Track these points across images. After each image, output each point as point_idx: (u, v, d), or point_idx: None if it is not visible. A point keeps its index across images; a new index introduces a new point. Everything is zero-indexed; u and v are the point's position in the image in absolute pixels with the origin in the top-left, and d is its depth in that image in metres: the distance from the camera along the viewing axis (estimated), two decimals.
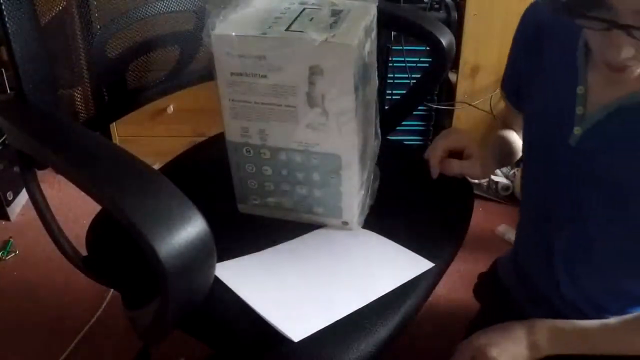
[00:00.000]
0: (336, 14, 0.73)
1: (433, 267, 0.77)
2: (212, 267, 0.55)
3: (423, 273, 0.76)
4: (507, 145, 0.99)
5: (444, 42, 0.98)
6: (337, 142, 0.75)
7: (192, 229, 0.51)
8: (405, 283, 0.74)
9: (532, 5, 0.85)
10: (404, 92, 1.31)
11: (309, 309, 0.69)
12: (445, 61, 1.00)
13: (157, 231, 0.50)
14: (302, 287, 0.72)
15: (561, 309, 0.88)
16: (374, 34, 0.77)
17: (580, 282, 0.85)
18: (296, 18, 0.73)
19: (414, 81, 1.65)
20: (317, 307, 0.69)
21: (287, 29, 0.70)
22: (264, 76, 0.71)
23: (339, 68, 0.68)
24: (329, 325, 0.67)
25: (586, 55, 0.75)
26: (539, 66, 0.83)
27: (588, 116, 0.75)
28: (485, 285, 1.13)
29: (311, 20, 0.72)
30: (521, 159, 0.97)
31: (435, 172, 0.89)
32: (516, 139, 1.00)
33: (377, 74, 0.81)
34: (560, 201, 0.83)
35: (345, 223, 0.83)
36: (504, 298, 1.02)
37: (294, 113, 0.73)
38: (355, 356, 0.65)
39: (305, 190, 0.81)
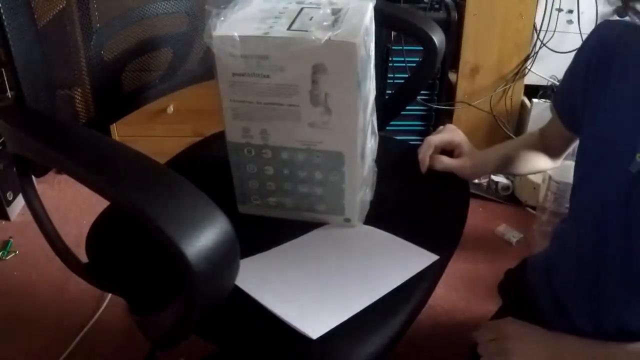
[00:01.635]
0: (336, 12, 0.73)
1: (437, 259, 0.78)
2: (237, 268, 0.55)
3: (427, 266, 0.77)
4: (514, 158, 0.98)
5: (435, 39, 0.98)
6: (340, 139, 0.75)
7: (217, 229, 0.52)
8: (411, 277, 0.75)
9: (602, 25, 0.82)
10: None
11: (323, 306, 0.70)
12: (436, 58, 1.01)
13: (183, 233, 0.50)
14: (313, 285, 0.73)
15: (586, 330, 0.85)
16: (372, 31, 0.77)
17: (623, 317, 0.80)
18: (296, 17, 0.73)
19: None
20: (331, 304, 0.70)
21: (288, 29, 0.70)
22: (267, 76, 0.71)
23: (343, 66, 0.69)
24: (343, 321, 0.68)
25: None
26: (605, 89, 0.79)
27: None
28: (511, 283, 1.11)
29: (311, 19, 0.72)
30: None
31: (423, 167, 0.89)
32: (528, 157, 0.99)
33: (374, 71, 0.81)
34: (610, 229, 0.79)
35: (348, 220, 0.83)
36: (530, 302, 1.00)
37: (297, 112, 0.73)
38: (370, 350, 0.66)
39: (307, 189, 0.81)
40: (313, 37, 0.67)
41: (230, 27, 0.71)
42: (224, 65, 0.72)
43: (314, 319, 0.67)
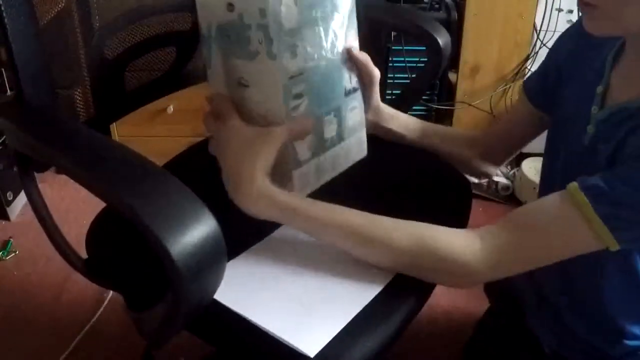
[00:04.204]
0: None
1: None
2: (223, 267, 0.55)
3: None
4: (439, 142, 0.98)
5: (440, 41, 0.98)
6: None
7: (203, 228, 0.51)
8: (408, 277, 0.72)
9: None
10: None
11: (314, 316, 0.66)
12: (441, 61, 1.00)
13: (169, 232, 0.50)
14: (295, 291, 0.69)
15: (566, 317, 0.87)
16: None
17: (587, 291, 0.83)
18: None
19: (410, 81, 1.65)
20: (321, 314, 0.66)
21: None
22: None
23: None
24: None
25: (615, 57, 0.76)
26: (576, 70, 0.83)
27: (599, 115, 0.75)
28: (495, 282, 1.12)
29: None
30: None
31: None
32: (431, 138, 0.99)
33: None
34: None
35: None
36: (514, 298, 1.01)
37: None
38: (365, 351, 0.64)
39: None
40: None
41: None
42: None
43: (309, 333, 0.63)
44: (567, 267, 0.74)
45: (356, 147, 0.91)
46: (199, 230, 0.51)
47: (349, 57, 0.82)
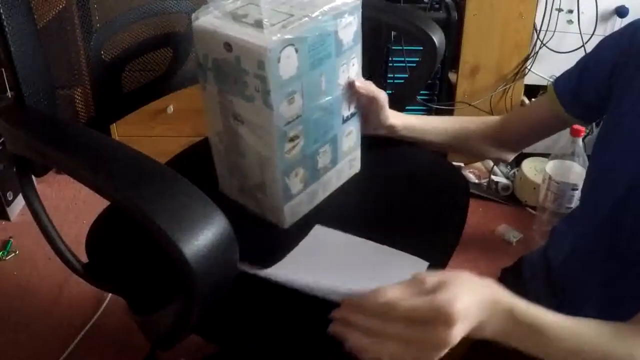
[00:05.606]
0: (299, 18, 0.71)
1: (429, 265, 0.77)
2: (235, 267, 0.55)
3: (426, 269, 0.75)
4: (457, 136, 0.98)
5: (435, 39, 0.98)
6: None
7: (215, 228, 0.52)
8: None
9: (636, 22, 0.81)
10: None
11: None
12: (436, 59, 1.01)
13: (181, 233, 0.50)
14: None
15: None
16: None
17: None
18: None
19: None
20: None
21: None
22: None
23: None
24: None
25: None
26: (633, 81, 0.78)
27: None
28: (506, 283, 1.11)
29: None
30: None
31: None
32: (475, 139, 0.99)
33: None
34: (628, 216, 0.76)
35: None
36: (525, 297, 1.00)
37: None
38: None
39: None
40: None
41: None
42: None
43: None
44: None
45: (349, 166, 0.91)
46: (211, 230, 0.51)
47: (351, 90, 0.82)
